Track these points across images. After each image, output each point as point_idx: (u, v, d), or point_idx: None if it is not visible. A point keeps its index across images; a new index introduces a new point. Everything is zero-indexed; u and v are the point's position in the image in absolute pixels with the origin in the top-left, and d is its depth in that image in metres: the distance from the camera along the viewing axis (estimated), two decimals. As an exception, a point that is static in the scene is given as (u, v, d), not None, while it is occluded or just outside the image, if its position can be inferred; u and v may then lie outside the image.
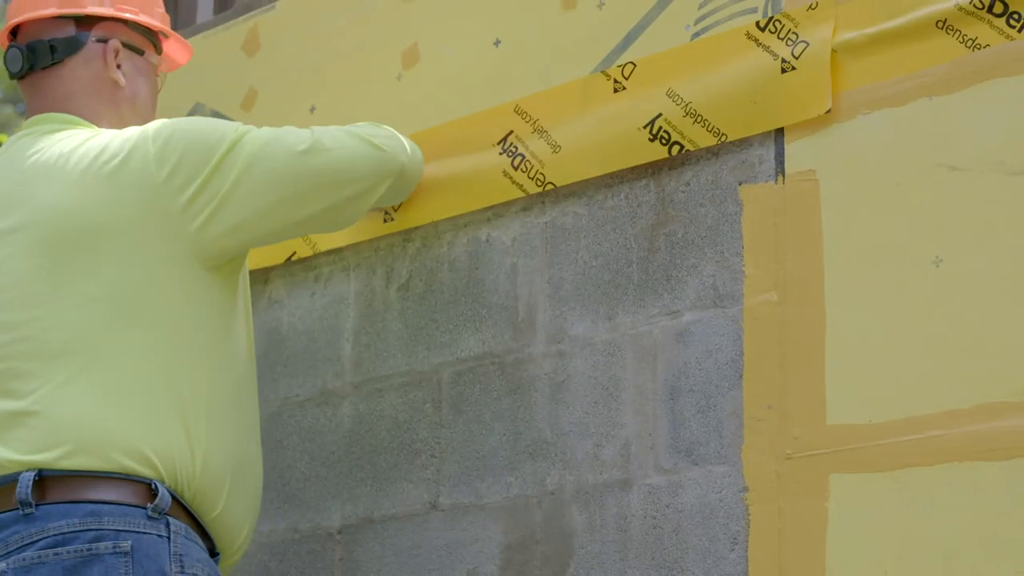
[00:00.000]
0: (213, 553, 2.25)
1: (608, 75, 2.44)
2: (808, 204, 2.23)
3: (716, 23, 2.34)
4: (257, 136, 2.25)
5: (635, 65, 2.41)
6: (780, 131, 2.27)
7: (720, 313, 2.30)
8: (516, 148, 2.53)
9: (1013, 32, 2.08)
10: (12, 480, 2.10)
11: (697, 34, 2.36)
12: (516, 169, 2.53)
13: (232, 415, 2.23)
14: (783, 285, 2.23)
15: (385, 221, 2.69)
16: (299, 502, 2.73)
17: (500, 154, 2.54)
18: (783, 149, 2.27)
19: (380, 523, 2.64)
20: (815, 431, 2.17)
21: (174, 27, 3.23)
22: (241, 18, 2.98)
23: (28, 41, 2.34)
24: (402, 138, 2.45)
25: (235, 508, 2.23)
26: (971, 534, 2.02)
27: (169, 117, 2.34)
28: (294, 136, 2.28)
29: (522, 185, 2.52)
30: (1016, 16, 2.08)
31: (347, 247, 2.77)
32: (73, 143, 2.24)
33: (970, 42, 2.12)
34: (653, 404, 2.35)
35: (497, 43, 2.60)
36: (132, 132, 2.23)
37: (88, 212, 2.15)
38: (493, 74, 2.59)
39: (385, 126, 2.44)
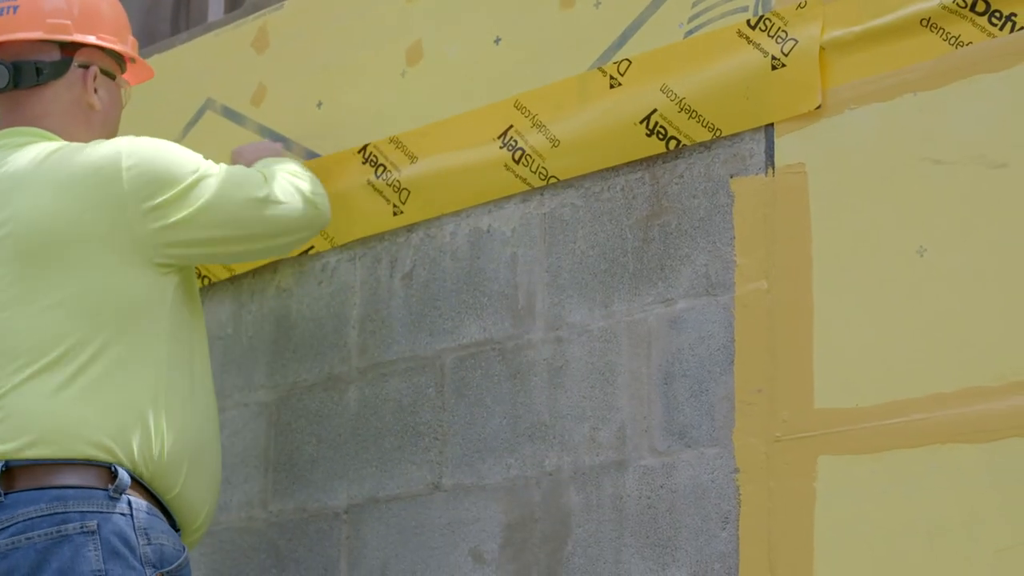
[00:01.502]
0: (176, 529, 2.32)
1: (604, 71, 2.45)
2: (797, 196, 2.23)
3: (708, 21, 2.34)
4: (221, 176, 2.35)
5: (630, 62, 2.41)
6: (770, 125, 2.28)
7: (712, 301, 2.30)
8: (516, 142, 2.53)
9: (995, 30, 2.09)
10: None
11: (690, 32, 2.36)
12: (517, 163, 2.53)
13: (188, 405, 2.30)
14: (773, 274, 2.23)
15: (395, 215, 2.71)
16: (307, 483, 2.74)
17: (501, 148, 2.55)
18: (773, 143, 2.27)
19: (385, 503, 2.64)
20: (803, 414, 2.17)
21: (187, 26, 3.25)
22: (250, 17, 2.98)
23: (14, 60, 2.38)
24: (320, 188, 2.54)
25: (194, 489, 2.30)
26: (953, 514, 2.03)
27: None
28: (253, 183, 2.38)
29: (525, 179, 2.53)
30: (998, 14, 2.08)
31: (359, 240, 2.77)
32: (44, 152, 2.31)
33: (953, 40, 2.12)
34: (648, 388, 2.35)
35: (497, 41, 2.60)
36: (105, 146, 2.30)
37: (57, 221, 2.24)
38: (494, 71, 2.59)
39: (311, 175, 2.53)
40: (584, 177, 2.49)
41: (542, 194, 2.55)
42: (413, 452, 2.63)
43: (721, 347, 2.29)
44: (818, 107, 2.22)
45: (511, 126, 2.54)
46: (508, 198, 2.58)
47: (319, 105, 2.84)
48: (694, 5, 2.37)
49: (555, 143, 2.50)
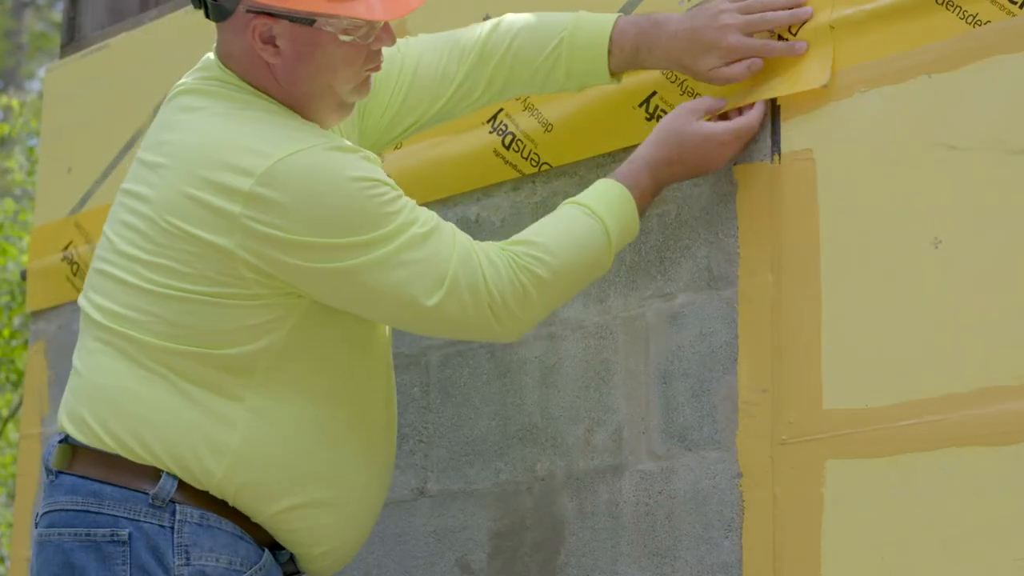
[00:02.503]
0: (276, 548, 2.15)
1: None
2: (804, 184, 2.22)
3: None
4: (399, 259, 2.05)
5: None
6: (776, 109, 2.27)
7: (714, 295, 2.30)
8: (506, 126, 2.52)
9: (1015, 8, 2.07)
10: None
11: (690, 11, 2.32)
12: (508, 148, 2.52)
13: (303, 433, 2.12)
14: (778, 267, 2.23)
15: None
16: (283, 487, 2.75)
17: (490, 132, 2.55)
18: (779, 128, 2.26)
19: None
20: (811, 416, 2.17)
21: (155, 3, 3.20)
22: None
23: None
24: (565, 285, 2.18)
25: (303, 520, 2.12)
26: (970, 521, 2.02)
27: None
28: (428, 283, 2.06)
29: (516, 165, 2.52)
30: None
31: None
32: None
33: (971, 18, 2.10)
34: (645, 388, 2.35)
35: (486, 19, 2.58)
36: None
37: None
38: None
39: (565, 278, 2.16)
40: (578, 164, 2.48)
41: (534, 182, 2.55)
42: (397, 455, 2.61)
43: (723, 344, 2.28)
44: (825, 85, 2.21)
45: (501, 109, 2.54)
46: (498, 186, 2.56)
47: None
48: (696, -19, 2.39)
49: (548, 127, 2.49)
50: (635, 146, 2.36)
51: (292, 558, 2.17)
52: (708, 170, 2.24)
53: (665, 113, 2.32)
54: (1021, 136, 2.05)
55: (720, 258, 2.30)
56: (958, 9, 2.11)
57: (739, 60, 2.22)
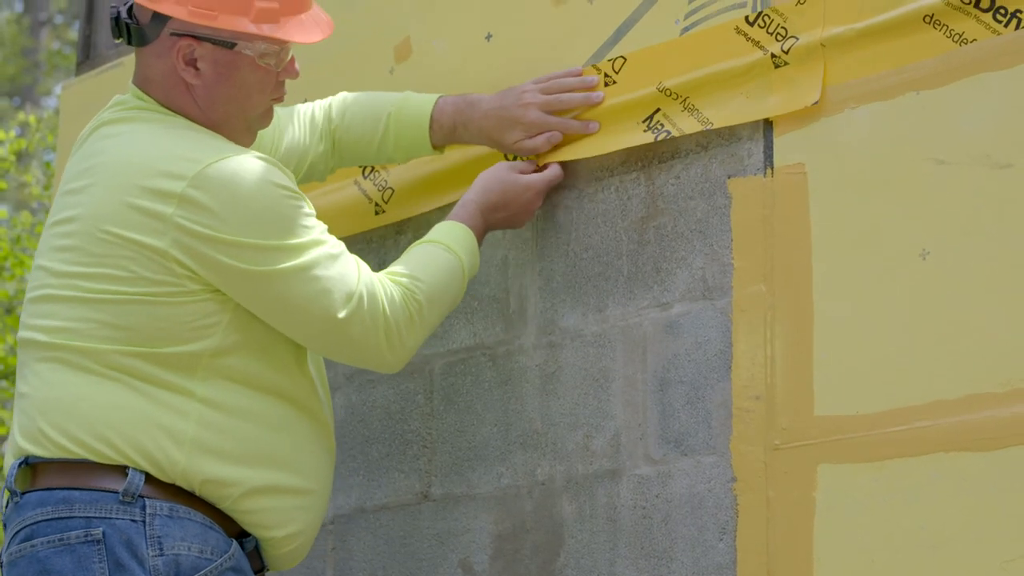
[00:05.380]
0: (244, 536, 2.20)
1: (599, 69, 2.44)
2: (796, 197, 2.22)
3: (705, 17, 2.33)
4: (314, 272, 2.15)
5: (625, 59, 2.42)
6: (769, 125, 2.27)
7: (709, 305, 2.29)
8: None
9: (999, 27, 2.08)
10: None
11: (687, 28, 2.35)
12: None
13: (256, 419, 2.19)
14: (772, 277, 2.23)
15: (376, 214, 2.70)
16: (292, 492, 2.75)
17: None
18: (772, 143, 2.26)
19: (372, 513, 2.64)
20: (803, 422, 2.17)
21: None
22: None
23: (129, 13, 2.23)
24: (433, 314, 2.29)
25: (259, 503, 2.18)
26: (958, 525, 2.02)
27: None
28: (338, 298, 2.15)
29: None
30: (1003, 11, 2.08)
31: (342, 239, 2.78)
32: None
33: (957, 37, 2.11)
34: (643, 395, 2.35)
35: (489, 37, 2.59)
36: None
37: None
38: (484, 68, 2.58)
39: (438, 300, 2.27)
40: (577, 178, 2.49)
41: None
42: (401, 460, 2.62)
43: (718, 352, 2.28)
44: (816, 103, 2.21)
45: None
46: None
47: (305, 102, 2.82)
48: (691, 1, 2.37)
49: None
50: (630, 159, 2.40)
51: (257, 548, 2.21)
52: (525, 218, 2.43)
53: (661, 124, 2.36)
54: (1006, 150, 2.05)
55: (715, 269, 2.30)
56: (945, 28, 2.11)
57: (541, 133, 2.42)
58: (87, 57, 3.46)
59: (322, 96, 2.80)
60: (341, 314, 2.16)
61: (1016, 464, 1.98)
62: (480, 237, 2.39)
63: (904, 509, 2.06)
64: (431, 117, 2.49)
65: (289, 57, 2.24)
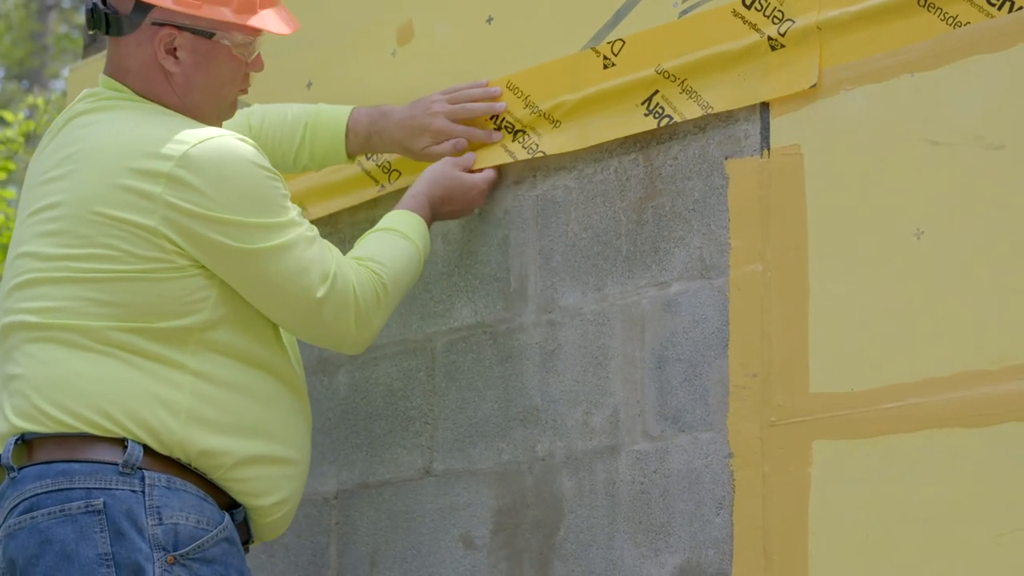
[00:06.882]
0: (234, 506, 2.24)
1: (598, 52, 2.44)
2: (792, 178, 2.23)
3: (703, 0, 2.33)
4: (294, 252, 2.21)
5: (624, 42, 2.42)
6: (765, 106, 2.27)
7: (706, 284, 2.30)
8: (512, 126, 2.54)
9: (993, 10, 2.08)
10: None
11: (685, 11, 2.35)
12: (514, 141, 2.54)
13: (244, 391, 2.24)
14: (768, 257, 2.24)
15: (379, 192, 2.72)
16: (296, 468, 2.76)
17: (496, 128, 2.55)
18: (768, 124, 2.27)
19: (375, 488, 2.64)
20: (798, 399, 2.18)
21: None
22: (240, -5, 2.99)
23: (108, 4, 2.28)
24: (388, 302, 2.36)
25: (247, 472, 2.22)
26: (950, 499, 2.03)
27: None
28: (316, 277, 2.22)
29: (514, 153, 2.53)
30: None
31: (344, 220, 2.78)
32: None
33: (951, 20, 2.11)
34: (641, 373, 2.35)
35: (490, 20, 2.60)
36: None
37: None
38: (485, 50, 2.59)
39: (394, 284, 2.34)
40: (577, 159, 2.49)
41: (534, 176, 2.55)
42: (404, 437, 2.63)
43: (715, 331, 2.29)
44: (813, 86, 2.22)
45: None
46: (499, 180, 2.59)
47: (309, 85, 2.85)
48: (688, -16, 2.38)
49: (555, 124, 2.50)
50: (628, 140, 2.40)
51: (245, 520, 2.26)
52: (467, 212, 2.55)
53: (662, 109, 2.36)
54: (999, 132, 2.06)
55: (712, 249, 2.30)
56: (939, 11, 2.12)
57: (447, 140, 2.51)
58: (94, 40, 3.46)
59: (327, 78, 2.82)
60: (319, 293, 2.22)
61: (1008, 440, 1.99)
62: (429, 225, 2.48)
63: (898, 485, 2.07)
64: (347, 127, 2.58)
65: (257, 51, 2.32)
